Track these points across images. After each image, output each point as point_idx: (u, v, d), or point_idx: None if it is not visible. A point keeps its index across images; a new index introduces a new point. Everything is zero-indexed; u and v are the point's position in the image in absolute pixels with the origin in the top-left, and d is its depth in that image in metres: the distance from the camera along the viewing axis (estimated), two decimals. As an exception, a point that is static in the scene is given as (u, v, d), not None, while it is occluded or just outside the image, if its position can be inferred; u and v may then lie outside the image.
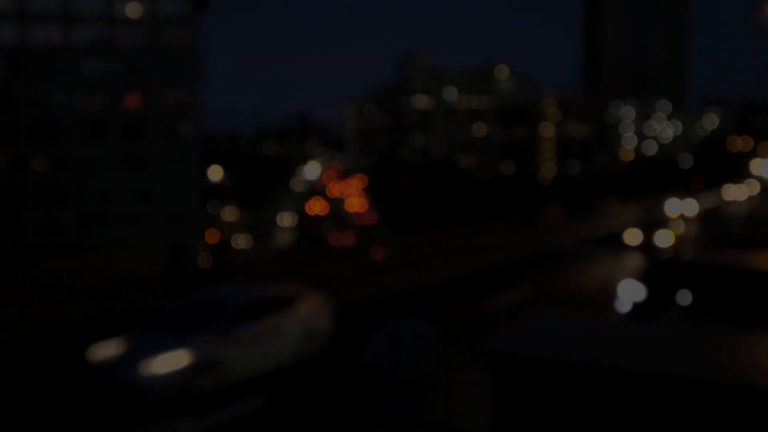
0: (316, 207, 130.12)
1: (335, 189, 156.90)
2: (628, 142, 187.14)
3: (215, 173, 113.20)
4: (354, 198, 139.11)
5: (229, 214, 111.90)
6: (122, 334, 10.59)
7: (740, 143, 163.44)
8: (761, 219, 30.75)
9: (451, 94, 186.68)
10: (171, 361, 9.56)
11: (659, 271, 12.84)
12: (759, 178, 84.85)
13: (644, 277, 12.72)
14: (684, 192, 64.57)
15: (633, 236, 28.44)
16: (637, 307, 12.13)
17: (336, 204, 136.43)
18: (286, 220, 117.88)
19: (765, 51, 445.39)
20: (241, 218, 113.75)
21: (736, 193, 69.88)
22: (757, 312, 7.35)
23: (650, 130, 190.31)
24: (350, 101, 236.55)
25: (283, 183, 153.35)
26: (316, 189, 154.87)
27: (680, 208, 42.83)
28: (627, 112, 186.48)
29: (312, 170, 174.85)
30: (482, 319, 15.18)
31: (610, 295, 14.64)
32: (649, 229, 28.70)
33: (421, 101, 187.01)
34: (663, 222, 31.78)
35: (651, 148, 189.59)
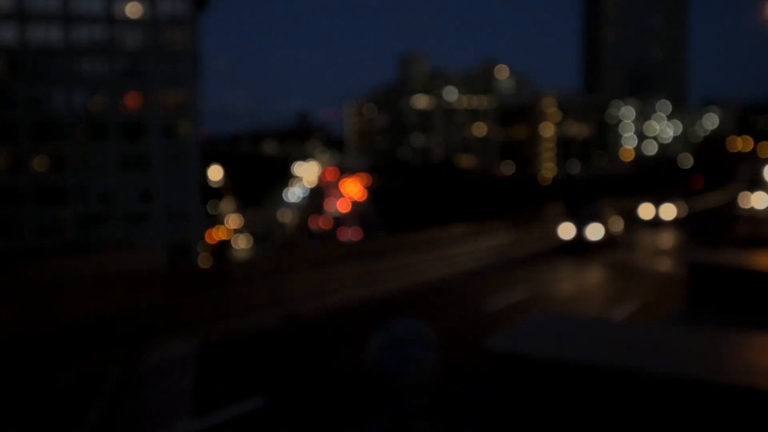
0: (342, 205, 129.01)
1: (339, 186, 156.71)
2: (628, 142, 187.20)
3: (215, 173, 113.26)
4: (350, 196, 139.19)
5: (229, 214, 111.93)
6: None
7: (740, 143, 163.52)
8: (762, 219, 30.78)
9: (451, 94, 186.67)
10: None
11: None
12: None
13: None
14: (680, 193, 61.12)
15: None
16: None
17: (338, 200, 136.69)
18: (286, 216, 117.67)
19: (765, 51, 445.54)
20: (241, 218, 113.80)
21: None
22: (758, 312, 7.36)
23: (650, 130, 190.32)
24: (350, 101, 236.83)
25: (283, 183, 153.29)
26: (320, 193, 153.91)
27: None
28: (627, 112, 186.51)
29: (309, 173, 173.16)
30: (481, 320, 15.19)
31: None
32: None
33: (421, 101, 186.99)
34: None
35: (651, 148, 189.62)
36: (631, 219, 38.91)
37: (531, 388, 3.46)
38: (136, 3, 67.23)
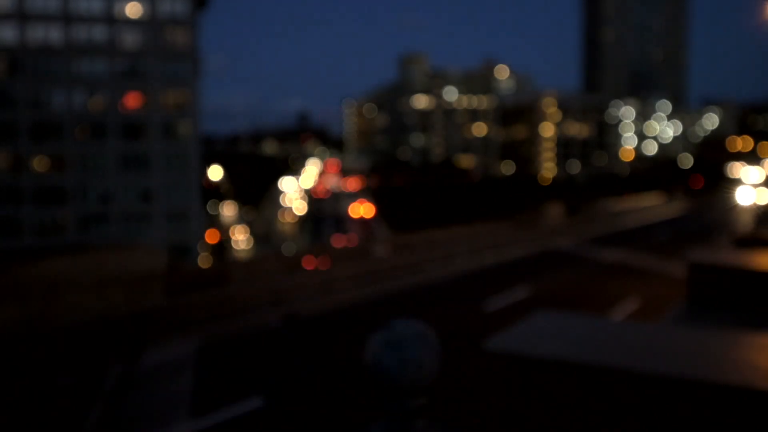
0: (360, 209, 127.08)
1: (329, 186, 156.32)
2: (628, 142, 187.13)
3: (215, 173, 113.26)
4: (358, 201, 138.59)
5: (229, 214, 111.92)
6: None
7: (740, 143, 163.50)
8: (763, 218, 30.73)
9: (451, 94, 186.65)
10: None
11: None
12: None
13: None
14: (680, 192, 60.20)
15: None
16: None
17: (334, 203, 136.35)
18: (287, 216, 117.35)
19: (765, 51, 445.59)
20: (240, 218, 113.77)
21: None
22: (758, 312, 7.36)
23: (650, 130, 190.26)
24: (350, 101, 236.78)
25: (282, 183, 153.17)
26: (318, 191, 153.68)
27: None
28: (627, 112, 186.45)
29: (308, 175, 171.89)
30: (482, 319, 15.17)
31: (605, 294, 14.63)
32: None
33: (421, 101, 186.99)
34: None
35: (651, 148, 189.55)
36: None
37: (531, 388, 3.46)
38: (136, 3, 67.18)
